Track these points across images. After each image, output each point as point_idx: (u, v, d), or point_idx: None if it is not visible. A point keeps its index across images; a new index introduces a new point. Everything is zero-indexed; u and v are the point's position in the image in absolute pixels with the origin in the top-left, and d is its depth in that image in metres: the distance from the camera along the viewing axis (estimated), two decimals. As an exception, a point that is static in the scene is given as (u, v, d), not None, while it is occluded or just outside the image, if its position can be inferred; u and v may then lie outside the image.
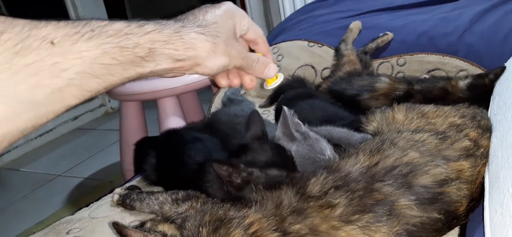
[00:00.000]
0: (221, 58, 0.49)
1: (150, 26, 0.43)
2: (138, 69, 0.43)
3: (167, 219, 0.67)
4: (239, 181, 0.68)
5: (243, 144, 0.74)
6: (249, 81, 0.57)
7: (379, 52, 1.30)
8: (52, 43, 0.36)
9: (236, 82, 0.57)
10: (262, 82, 0.63)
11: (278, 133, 0.76)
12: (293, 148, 0.73)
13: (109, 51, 0.39)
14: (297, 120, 0.76)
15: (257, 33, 0.57)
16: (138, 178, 1.02)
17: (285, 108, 0.76)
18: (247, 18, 0.55)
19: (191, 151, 0.87)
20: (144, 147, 1.03)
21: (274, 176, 0.67)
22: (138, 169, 1.02)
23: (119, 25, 0.41)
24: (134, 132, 1.72)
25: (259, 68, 0.56)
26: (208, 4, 0.52)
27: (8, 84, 0.33)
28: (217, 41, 0.48)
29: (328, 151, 0.72)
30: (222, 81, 0.56)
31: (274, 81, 0.61)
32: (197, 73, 0.49)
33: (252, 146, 0.72)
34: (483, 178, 0.63)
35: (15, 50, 0.34)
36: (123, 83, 0.43)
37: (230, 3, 0.53)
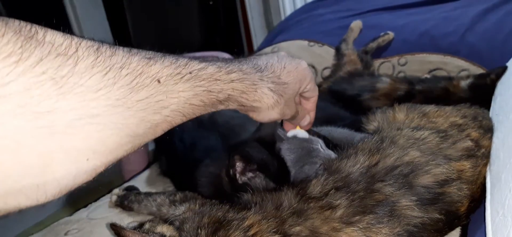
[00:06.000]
0: (275, 114, 0.55)
1: (235, 74, 0.47)
2: (213, 109, 0.47)
3: (165, 221, 0.66)
4: (241, 180, 0.67)
5: (252, 142, 0.74)
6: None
7: (380, 52, 1.29)
8: (158, 81, 0.38)
9: None
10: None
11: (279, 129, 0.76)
12: (285, 146, 0.73)
13: (200, 93, 0.43)
14: None
15: (313, 93, 0.63)
16: (136, 178, 1.02)
17: None
18: (312, 82, 0.60)
19: (195, 147, 0.87)
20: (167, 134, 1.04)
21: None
22: (156, 156, 1.03)
23: (211, 69, 0.44)
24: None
25: (297, 121, 0.65)
26: (287, 56, 0.57)
27: (122, 117, 0.35)
28: (280, 101, 0.54)
29: (320, 143, 0.72)
30: None
31: (295, 131, 0.70)
32: (248, 115, 0.55)
33: (262, 150, 0.71)
34: (484, 178, 0.62)
35: (131, 86, 0.36)
36: None
37: (305, 64, 0.58)
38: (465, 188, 0.59)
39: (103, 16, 3.24)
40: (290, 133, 0.72)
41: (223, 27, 3.11)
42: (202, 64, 0.44)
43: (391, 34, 1.29)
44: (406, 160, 0.60)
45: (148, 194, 0.81)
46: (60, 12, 3.04)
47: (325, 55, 1.36)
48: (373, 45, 1.28)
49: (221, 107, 0.48)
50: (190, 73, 0.42)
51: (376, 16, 1.47)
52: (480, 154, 0.64)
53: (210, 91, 0.44)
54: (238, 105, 0.50)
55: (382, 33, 1.29)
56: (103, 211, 0.87)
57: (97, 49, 0.34)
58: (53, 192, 0.34)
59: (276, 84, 0.53)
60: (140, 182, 1.00)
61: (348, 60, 1.23)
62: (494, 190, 0.57)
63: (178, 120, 0.42)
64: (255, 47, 2.68)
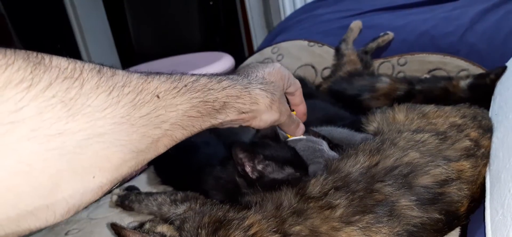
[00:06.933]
0: (274, 114, 0.56)
1: (225, 82, 0.49)
2: (212, 120, 0.48)
3: (166, 220, 0.66)
4: (253, 174, 0.66)
5: (256, 141, 0.74)
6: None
7: (380, 52, 1.30)
8: (158, 97, 0.40)
9: None
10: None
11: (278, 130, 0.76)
12: (290, 145, 0.73)
13: (196, 104, 0.44)
14: None
15: (296, 86, 0.65)
16: (136, 178, 1.02)
17: None
18: (291, 76, 0.63)
19: (197, 154, 0.87)
20: None
21: (290, 174, 0.66)
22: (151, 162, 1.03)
23: (204, 80, 0.46)
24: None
25: (293, 129, 0.67)
26: (260, 63, 0.60)
27: (126, 134, 0.36)
28: (274, 98, 0.55)
29: (324, 144, 0.73)
30: None
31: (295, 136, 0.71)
32: (251, 126, 0.56)
33: (268, 143, 0.72)
34: (484, 178, 0.62)
35: (134, 103, 0.37)
36: (197, 133, 0.47)
37: (279, 65, 0.61)
38: (465, 188, 0.59)
39: (103, 16, 3.24)
40: (290, 140, 0.72)
41: (223, 27, 3.11)
42: (195, 77, 0.45)
43: (390, 34, 1.29)
44: (406, 161, 0.60)
45: (149, 194, 0.81)
46: (60, 12, 3.04)
47: (325, 55, 1.36)
48: (373, 45, 1.28)
49: (221, 117, 0.49)
50: (185, 86, 0.43)
51: (376, 16, 1.48)
52: (480, 154, 0.64)
53: (206, 101, 0.45)
54: (238, 114, 0.51)
55: (381, 33, 1.29)
56: (103, 211, 0.87)
57: (98, 70, 0.35)
58: (61, 212, 0.34)
59: (264, 84, 0.55)
60: (141, 182, 1.00)
61: (348, 60, 1.23)
62: (494, 190, 0.57)
63: (178, 133, 0.43)
64: (255, 47, 2.69)
